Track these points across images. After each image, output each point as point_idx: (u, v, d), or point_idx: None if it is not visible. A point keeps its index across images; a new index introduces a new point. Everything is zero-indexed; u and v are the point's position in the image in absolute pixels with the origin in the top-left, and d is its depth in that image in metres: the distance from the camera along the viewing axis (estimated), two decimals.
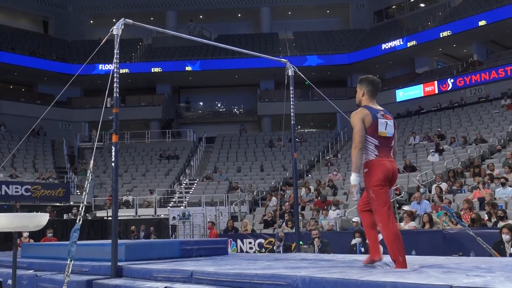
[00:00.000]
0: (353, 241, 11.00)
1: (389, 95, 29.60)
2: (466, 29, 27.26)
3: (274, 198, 18.67)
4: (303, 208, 16.64)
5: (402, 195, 15.40)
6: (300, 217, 12.95)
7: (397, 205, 14.34)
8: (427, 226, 11.25)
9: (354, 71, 32.76)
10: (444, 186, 14.82)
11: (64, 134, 29.94)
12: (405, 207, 13.11)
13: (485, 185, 13.73)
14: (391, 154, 4.60)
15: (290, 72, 8.35)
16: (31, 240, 12.92)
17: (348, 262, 4.92)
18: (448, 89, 27.45)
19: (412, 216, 11.97)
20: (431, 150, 19.71)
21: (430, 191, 14.21)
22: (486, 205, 11.52)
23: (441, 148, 20.13)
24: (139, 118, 31.13)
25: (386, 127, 4.53)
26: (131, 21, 6.43)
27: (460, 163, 17.50)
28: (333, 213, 14.83)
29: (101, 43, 7.03)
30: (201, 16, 36.75)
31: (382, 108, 4.71)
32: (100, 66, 31.20)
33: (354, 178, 4.43)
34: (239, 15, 37.22)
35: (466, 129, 22.57)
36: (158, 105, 31.77)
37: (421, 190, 13.59)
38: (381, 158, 4.47)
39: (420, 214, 12.31)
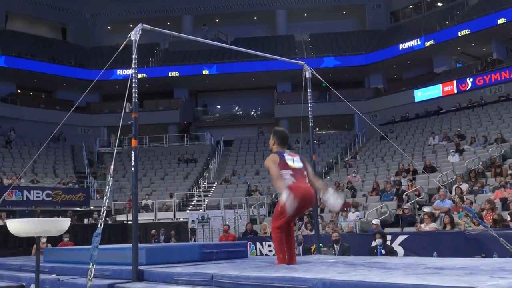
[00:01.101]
0: (374, 243, 10.94)
1: (408, 96, 29.38)
2: (484, 27, 26.92)
3: None
4: (322, 210, 16.41)
5: (422, 196, 15.30)
6: (319, 219, 12.87)
7: (417, 206, 14.34)
8: (448, 227, 11.17)
9: (371, 72, 32.68)
10: (465, 186, 14.68)
11: (83, 139, 30.16)
12: (426, 208, 13.03)
13: (507, 185, 13.55)
14: (307, 180, 5.51)
15: (308, 74, 8.22)
16: (49, 245, 13.01)
17: (369, 265, 4.88)
18: (468, 89, 27.08)
19: (433, 217, 11.91)
20: (451, 151, 19.53)
21: (450, 192, 14.05)
22: (511, 205, 11.42)
23: (461, 148, 19.91)
24: (157, 122, 31.23)
25: (294, 161, 5.47)
26: (148, 26, 6.41)
27: (481, 163, 17.27)
28: (352, 215, 14.75)
29: (119, 49, 7.05)
30: (217, 20, 36.84)
31: (289, 151, 5.62)
32: (118, 71, 31.40)
33: (284, 196, 5.07)
34: (255, 18, 37.23)
35: (486, 129, 22.30)
36: (175, 109, 31.88)
37: (441, 190, 13.46)
38: (298, 184, 5.31)
39: (441, 215, 12.21)
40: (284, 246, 5.55)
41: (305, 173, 5.52)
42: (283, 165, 5.39)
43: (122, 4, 35.80)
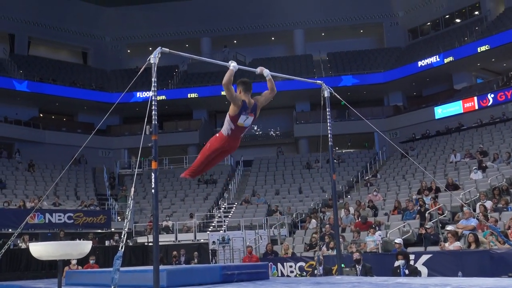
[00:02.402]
0: (396, 263, 10.83)
1: (428, 113, 29.11)
2: (504, 42, 26.57)
3: (313, 220, 18.48)
4: (343, 230, 16.37)
5: (445, 214, 15.09)
6: (340, 239, 12.81)
7: (440, 225, 14.16)
8: (473, 246, 11.01)
9: (390, 90, 32.49)
10: (489, 204, 14.43)
11: (104, 162, 30.42)
12: (449, 227, 12.88)
13: None
14: (241, 136, 6.37)
15: (326, 94, 8.31)
16: (79, 267, 13.06)
17: (392, 286, 4.80)
18: (489, 105, 26.72)
19: (456, 236, 11.77)
20: (474, 168, 19.19)
21: (474, 210, 13.82)
22: None
23: (484, 165, 19.58)
24: (177, 143, 31.33)
25: (245, 120, 6.17)
26: (167, 49, 6.54)
27: (504, 180, 16.88)
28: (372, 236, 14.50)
29: (139, 72, 7.16)
30: (235, 41, 37.08)
31: (252, 105, 6.19)
32: (138, 94, 31.68)
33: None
34: (273, 38, 37.39)
35: (509, 145, 21.91)
36: (195, 130, 32.01)
37: (465, 209, 13.33)
38: (229, 137, 6.21)
39: (465, 233, 12.03)
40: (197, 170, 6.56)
41: (245, 130, 6.35)
42: (234, 118, 6.13)
43: (141, 28, 36.30)
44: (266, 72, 6.70)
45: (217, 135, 6.33)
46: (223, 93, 31.09)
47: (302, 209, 22.09)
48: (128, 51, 38.18)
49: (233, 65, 6.30)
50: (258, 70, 6.84)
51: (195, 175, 6.81)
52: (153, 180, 5.96)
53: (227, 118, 6.18)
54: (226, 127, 6.22)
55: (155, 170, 5.94)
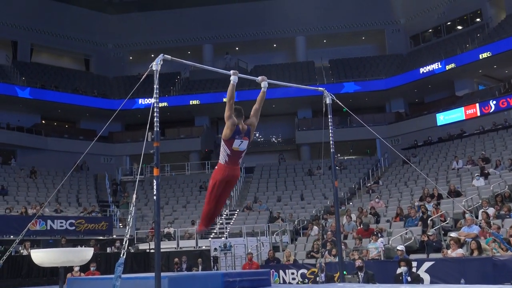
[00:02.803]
0: (399, 270, 10.74)
1: (430, 120, 29.01)
2: (506, 49, 26.43)
3: (315, 227, 18.41)
4: (345, 237, 16.30)
5: (447, 221, 14.96)
6: (342, 246, 12.81)
7: (443, 232, 14.03)
8: (475, 253, 10.96)
9: (392, 97, 32.44)
10: (491, 211, 14.31)
11: (106, 168, 30.40)
12: (452, 234, 12.78)
13: None
14: (240, 161, 6.36)
15: (328, 100, 8.34)
16: (82, 274, 13.02)
17: None
18: (491, 111, 26.60)
19: (459, 243, 11.69)
20: (476, 174, 19.06)
21: (476, 217, 13.80)
22: None
23: (486, 172, 19.42)
24: (179, 150, 31.30)
25: (240, 145, 6.19)
26: (169, 57, 6.56)
27: (507, 186, 16.75)
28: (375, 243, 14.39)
29: (141, 79, 7.30)
30: (237, 48, 37.12)
31: (244, 131, 6.26)
32: (140, 101, 31.72)
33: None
34: (275, 45, 37.41)
35: None
36: (197, 137, 31.95)
37: (467, 215, 13.21)
38: (228, 165, 6.22)
39: (467, 240, 11.96)
40: (209, 217, 6.55)
41: (243, 154, 6.34)
42: (228, 143, 6.18)
43: (144, 35, 36.35)
44: (264, 84, 6.83)
45: (216, 168, 6.41)
46: (224, 100, 31.28)
47: (304, 216, 21.97)
48: (130, 58, 38.22)
49: (233, 78, 6.44)
50: (259, 78, 6.92)
51: (209, 221, 6.77)
52: (154, 187, 5.97)
53: (222, 144, 6.27)
54: (222, 155, 6.29)
55: (157, 177, 5.95)
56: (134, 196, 6.52)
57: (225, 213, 23.82)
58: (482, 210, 14.28)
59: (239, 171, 6.51)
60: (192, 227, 21.74)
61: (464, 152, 24.29)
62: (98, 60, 36.97)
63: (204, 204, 6.57)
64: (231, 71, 6.56)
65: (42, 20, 34.07)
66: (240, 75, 6.79)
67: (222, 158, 6.27)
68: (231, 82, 6.41)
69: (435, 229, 14.04)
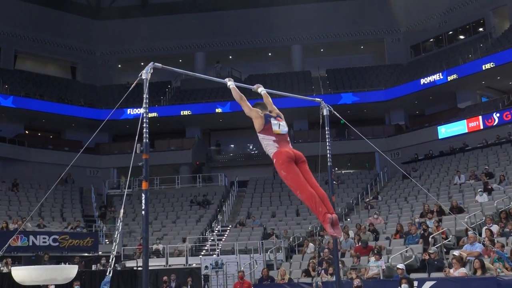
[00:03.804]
0: None
1: (431, 132, 28.52)
2: (510, 60, 25.88)
3: (311, 244, 18.20)
4: (342, 255, 16.03)
5: (449, 239, 14.80)
6: (340, 265, 12.23)
7: (445, 250, 13.90)
8: (479, 273, 10.92)
9: (392, 108, 31.91)
10: (495, 228, 14.16)
11: (92, 181, 29.76)
12: (455, 252, 12.67)
13: None
14: (290, 145, 5.93)
15: (325, 112, 8.13)
16: None
17: None
18: (494, 124, 26.19)
19: (462, 261, 11.72)
20: (479, 190, 18.91)
21: (480, 234, 13.53)
22: None
23: (489, 187, 19.24)
24: (169, 162, 30.66)
25: (279, 126, 5.90)
26: (160, 65, 6.43)
27: (511, 203, 16.58)
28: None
29: (130, 88, 7.18)
30: (230, 57, 36.63)
31: (276, 114, 6.07)
32: (129, 111, 31.07)
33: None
34: (270, 54, 36.98)
35: None
36: (188, 149, 31.30)
37: (470, 233, 13.07)
38: (281, 149, 5.78)
39: (470, 259, 11.91)
40: (317, 200, 5.53)
41: (288, 139, 5.96)
42: (267, 130, 5.85)
43: (133, 42, 35.83)
44: (261, 89, 6.72)
45: (274, 161, 5.84)
46: (217, 110, 30.79)
47: (300, 232, 21.76)
48: (119, 66, 37.72)
49: (230, 82, 6.38)
50: (255, 87, 6.82)
51: (326, 205, 5.63)
52: (143, 201, 5.84)
53: (261, 137, 5.93)
54: (270, 146, 5.88)
55: (145, 190, 5.85)
56: (122, 211, 6.53)
57: (217, 229, 23.64)
58: (486, 227, 14.12)
59: (293, 149, 5.91)
60: (182, 244, 21.58)
61: (466, 167, 24.04)
62: (85, 68, 36.39)
63: (302, 198, 5.72)
64: (226, 79, 6.51)
65: (27, 26, 33.45)
66: (235, 83, 6.59)
67: (273, 148, 5.85)
68: (231, 86, 6.34)
69: (436, 247, 13.87)
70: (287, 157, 5.69)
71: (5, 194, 25.65)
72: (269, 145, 5.86)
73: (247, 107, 5.98)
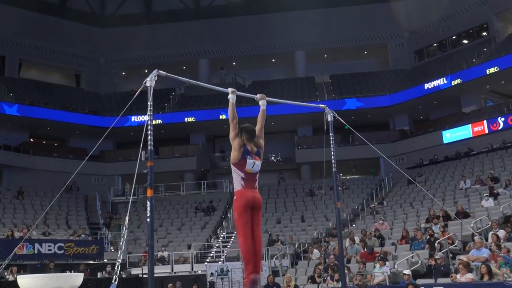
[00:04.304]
0: None
1: (436, 137, 28.35)
2: None
3: (316, 250, 18.17)
4: (348, 261, 15.98)
5: (456, 244, 14.74)
6: (345, 271, 12.19)
7: (451, 255, 13.81)
8: (485, 278, 11.00)
9: (396, 113, 31.78)
10: (501, 233, 14.12)
11: (97, 189, 29.65)
12: (461, 257, 12.70)
13: None
14: (256, 184, 6.03)
15: (329, 118, 8.19)
16: None
17: None
18: (499, 129, 26.05)
19: (468, 267, 11.68)
20: (485, 195, 18.86)
21: (486, 239, 13.52)
22: None
23: (495, 192, 19.16)
24: (173, 169, 30.53)
25: (253, 166, 5.92)
26: (164, 72, 6.44)
27: None
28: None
29: (135, 96, 7.14)
30: (234, 63, 36.55)
31: (255, 151, 6.03)
32: (133, 118, 31.05)
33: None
34: (273, 60, 36.90)
35: None
36: (192, 156, 31.18)
37: (476, 238, 13.07)
38: (245, 190, 5.90)
39: (477, 264, 11.92)
40: (252, 255, 5.77)
41: (257, 176, 6.05)
42: (240, 165, 5.91)
43: (137, 50, 35.84)
44: (263, 102, 6.60)
45: (234, 198, 6.04)
46: (221, 117, 30.72)
47: (305, 238, 21.63)
48: (123, 73, 37.68)
49: (231, 96, 6.27)
50: (258, 97, 6.71)
51: (256, 263, 5.89)
52: (148, 208, 5.87)
53: (234, 169, 6.00)
54: (237, 181, 6.00)
55: (150, 198, 5.85)
56: (127, 218, 6.59)
57: (222, 236, 23.56)
58: (492, 232, 14.08)
59: (259, 193, 6.13)
60: (187, 251, 21.39)
61: (472, 171, 23.90)
62: (89, 76, 36.34)
63: (240, 245, 6.10)
64: (229, 89, 6.37)
65: (31, 35, 33.46)
66: (238, 92, 6.57)
67: (238, 184, 5.99)
68: (230, 101, 6.21)
69: (442, 253, 13.81)
70: (246, 204, 5.85)
71: (11, 202, 25.63)
72: (236, 180, 5.98)
73: (233, 132, 5.99)
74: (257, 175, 6.10)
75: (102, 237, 23.98)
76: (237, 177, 5.97)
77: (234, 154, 5.94)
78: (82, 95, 34.97)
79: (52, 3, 34.50)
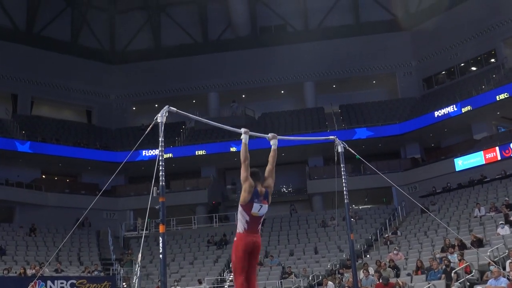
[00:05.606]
0: None
1: (448, 165, 28.08)
2: None
3: (330, 282, 17.87)
4: None
5: (473, 273, 14.48)
6: None
7: (468, 284, 13.64)
8: None
9: (407, 142, 31.60)
10: None
11: (109, 224, 29.55)
12: (479, 287, 12.58)
13: None
14: (259, 227, 6.16)
15: (340, 149, 8.26)
16: None
17: None
18: None
19: None
20: (500, 222, 18.63)
21: (504, 268, 13.41)
22: None
23: (511, 219, 18.97)
24: (185, 203, 30.41)
25: (259, 210, 6.02)
26: (174, 109, 6.58)
27: None
28: None
29: (146, 132, 7.27)
30: (243, 96, 36.67)
31: (263, 195, 6.12)
32: (144, 152, 31.01)
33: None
34: (282, 91, 36.93)
35: None
36: (203, 189, 31.08)
37: (494, 268, 12.74)
38: (247, 233, 5.98)
39: None
40: None
41: (262, 219, 6.15)
42: (247, 207, 6.00)
43: (147, 85, 36.15)
44: (274, 141, 6.78)
45: (235, 240, 6.15)
46: (232, 149, 30.64)
47: (319, 270, 21.27)
48: (134, 108, 37.91)
49: (244, 137, 6.36)
50: (270, 136, 6.87)
51: None
52: (160, 245, 5.88)
53: (240, 210, 6.08)
54: (241, 223, 6.08)
55: (162, 234, 5.89)
56: (139, 255, 8.16)
57: None
58: (510, 260, 14.02)
59: (260, 238, 6.22)
60: (200, 286, 21.09)
61: (486, 199, 23.68)
62: (100, 112, 36.56)
63: (235, 283, 6.11)
64: (242, 130, 6.48)
65: (43, 72, 33.89)
66: (250, 133, 6.65)
67: (241, 226, 6.08)
68: (243, 141, 6.29)
69: (460, 283, 13.72)
70: (245, 248, 5.98)
71: (23, 240, 25.64)
72: (241, 222, 6.05)
73: (245, 173, 6.04)
74: (262, 217, 6.20)
75: (114, 273, 23.71)
76: (241, 218, 6.06)
77: (243, 196, 6.02)
78: (93, 131, 35.15)
79: (63, 41, 35.05)
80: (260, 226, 6.23)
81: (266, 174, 6.41)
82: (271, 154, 6.54)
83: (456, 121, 28.82)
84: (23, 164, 30.13)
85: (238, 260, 5.99)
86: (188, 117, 7.49)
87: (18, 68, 32.88)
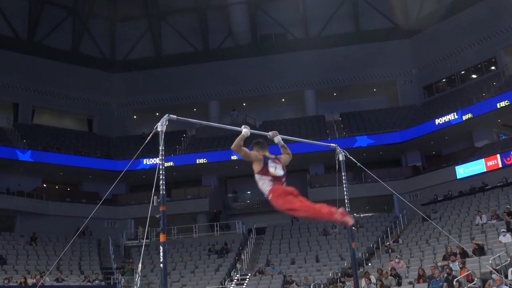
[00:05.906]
0: None
1: (449, 173, 27.97)
2: None
3: None
4: None
5: (474, 282, 14.52)
6: None
7: None
8: None
9: (408, 149, 31.55)
10: None
11: (110, 233, 29.55)
12: None
13: None
14: (285, 185, 6.20)
15: (341, 157, 8.27)
16: None
17: None
18: None
19: None
20: (502, 230, 18.63)
21: (506, 276, 13.41)
22: None
23: None
24: (186, 211, 30.31)
25: (275, 169, 6.15)
26: (175, 116, 6.53)
27: None
28: None
29: (146, 141, 7.33)
30: (244, 104, 36.73)
31: (274, 157, 6.25)
32: (145, 161, 31.02)
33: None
34: (283, 99, 36.98)
35: None
36: (204, 197, 31.00)
37: (493, 276, 12.84)
38: (275, 186, 6.09)
39: None
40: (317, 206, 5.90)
41: (284, 179, 6.23)
42: (265, 171, 6.10)
43: (148, 93, 36.16)
44: (278, 139, 6.84)
45: (270, 196, 6.16)
46: (233, 157, 30.62)
47: (320, 279, 21.20)
48: (134, 117, 37.92)
49: (245, 130, 6.40)
50: (271, 134, 6.86)
51: (322, 206, 5.96)
52: (161, 254, 5.82)
53: (258, 177, 6.16)
54: (266, 184, 6.16)
55: (163, 243, 5.83)
56: (140, 265, 7.53)
57: (236, 278, 23.22)
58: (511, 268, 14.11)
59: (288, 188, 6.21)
60: None
61: (487, 206, 23.65)
62: (101, 120, 36.53)
63: (310, 207, 6.01)
64: (242, 126, 6.52)
65: (44, 81, 33.89)
66: (250, 130, 6.62)
67: (268, 185, 6.14)
68: (242, 133, 6.33)
69: None
70: (283, 191, 6.04)
71: (24, 249, 25.62)
72: (265, 183, 6.11)
73: (245, 152, 6.10)
74: (283, 178, 6.23)
75: (115, 282, 23.67)
76: (264, 180, 6.12)
77: (256, 164, 6.11)
78: (94, 139, 35.11)
79: (64, 50, 35.12)
80: (284, 184, 6.22)
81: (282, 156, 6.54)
82: (282, 150, 6.76)
83: (457, 128, 28.75)
84: (24, 173, 30.10)
85: (285, 200, 6.00)
86: (189, 122, 7.50)
87: (19, 77, 32.92)
